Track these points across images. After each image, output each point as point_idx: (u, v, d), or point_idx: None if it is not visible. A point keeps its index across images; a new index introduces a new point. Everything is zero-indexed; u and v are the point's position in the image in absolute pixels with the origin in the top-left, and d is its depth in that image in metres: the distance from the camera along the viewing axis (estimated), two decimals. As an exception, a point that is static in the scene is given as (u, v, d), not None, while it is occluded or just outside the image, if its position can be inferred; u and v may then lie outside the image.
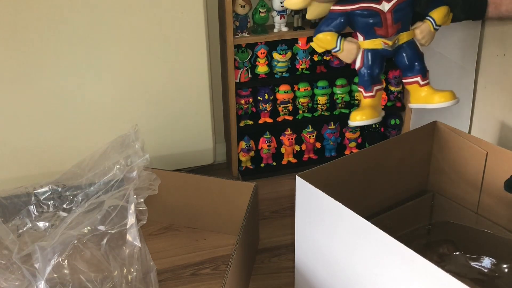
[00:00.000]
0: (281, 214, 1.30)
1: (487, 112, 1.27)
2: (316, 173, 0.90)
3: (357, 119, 0.98)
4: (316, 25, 1.33)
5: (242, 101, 1.38)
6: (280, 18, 1.31)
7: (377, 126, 1.47)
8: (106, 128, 1.25)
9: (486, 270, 0.97)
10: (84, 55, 1.19)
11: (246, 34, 1.31)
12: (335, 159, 0.95)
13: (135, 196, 0.98)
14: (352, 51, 0.97)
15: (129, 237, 0.96)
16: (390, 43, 0.95)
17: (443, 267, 0.70)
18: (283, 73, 1.37)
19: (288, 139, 1.43)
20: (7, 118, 1.20)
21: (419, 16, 0.99)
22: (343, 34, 0.98)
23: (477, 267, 0.98)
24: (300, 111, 1.42)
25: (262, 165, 1.45)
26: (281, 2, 1.28)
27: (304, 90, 1.39)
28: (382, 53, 0.97)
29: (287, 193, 1.37)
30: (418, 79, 0.99)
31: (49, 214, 1.09)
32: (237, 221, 1.11)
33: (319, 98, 1.41)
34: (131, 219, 0.96)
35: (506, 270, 0.97)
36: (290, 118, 1.41)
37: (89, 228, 0.96)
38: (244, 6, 1.28)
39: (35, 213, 1.09)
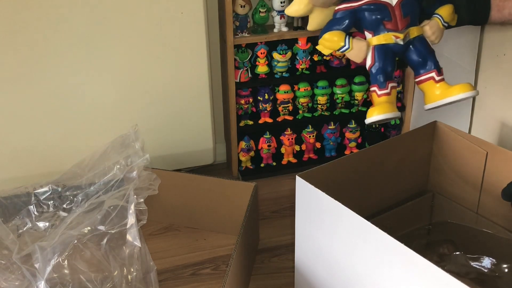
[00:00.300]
0: (281, 214, 1.30)
1: (487, 112, 1.28)
2: (316, 173, 0.90)
3: (374, 114, 0.94)
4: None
5: (242, 101, 1.38)
6: (280, 18, 1.31)
7: (377, 126, 1.47)
8: (106, 128, 1.25)
9: (486, 270, 0.97)
10: (84, 55, 1.19)
11: (246, 34, 1.31)
12: (335, 159, 0.95)
13: (135, 196, 0.98)
14: (362, 48, 0.94)
15: (129, 237, 0.96)
16: (401, 36, 0.93)
17: (443, 267, 0.70)
18: (283, 73, 1.37)
19: (288, 139, 1.43)
20: (7, 118, 1.20)
21: (425, 16, 0.98)
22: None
23: (477, 267, 0.98)
24: (300, 111, 1.42)
25: (262, 165, 1.45)
26: (281, 2, 1.28)
27: (304, 90, 1.39)
28: (393, 48, 0.94)
29: (287, 193, 1.37)
30: (433, 74, 0.95)
31: (49, 214, 1.09)
32: (237, 221, 1.11)
33: (319, 98, 1.41)
34: (131, 219, 0.96)
35: (506, 270, 0.97)
36: (290, 118, 1.41)
37: (89, 228, 0.96)
38: (244, 6, 1.28)
39: (35, 213, 1.09)
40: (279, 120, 1.41)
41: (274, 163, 1.45)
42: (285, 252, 1.17)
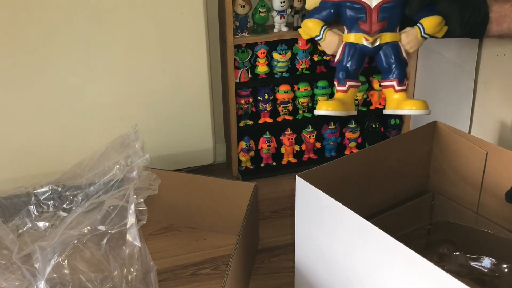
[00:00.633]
0: (281, 214, 1.30)
1: (487, 112, 1.27)
2: (316, 173, 0.90)
3: (323, 108, 0.95)
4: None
5: (242, 101, 1.38)
6: (280, 18, 1.31)
7: (377, 126, 1.47)
8: (106, 128, 1.25)
9: (486, 270, 0.97)
10: (84, 55, 1.19)
11: (246, 34, 1.31)
12: (335, 159, 0.95)
13: (135, 196, 0.98)
14: (334, 41, 0.95)
15: (129, 237, 0.96)
16: (370, 39, 0.94)
17: (443, 267, 0.70)
18: (283, 73, 1.37)
19: (288, 139, 1.43)
20: (7, 118, 1.20)
21: (410, 23, 0.98)
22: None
23: (477, 267, 0.98)
24: (300, 111, 1.42)
25: (262, 165, 1.45)
26: (281, 2, 1.28)
27: (304, 90, 1.39)
28: (362, 49, 0.95)
29: (287, 193, 1.37)
30: (394, 83, 0.96)
31: (49, 214, 1.09)
32: (237, 221, 1.11)
33: (319, 98, 1.41)
34: (131, 219, 0.96)
35: (506, 270, 0.96)
36: (290, 118, 1.41)
37: (89, 228, 0.96)
38: (244, 6, 1.28)
39: (35, 213, 1.09)
40: (279, 120, 1.41)
41: (274, 163, 1.45)
42: (285, 252, 1.17)
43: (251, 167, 1.44)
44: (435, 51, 1.34)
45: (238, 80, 1.34)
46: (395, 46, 0.96)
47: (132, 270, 0.99)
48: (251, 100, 1.39)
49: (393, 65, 0.96)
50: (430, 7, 0.96)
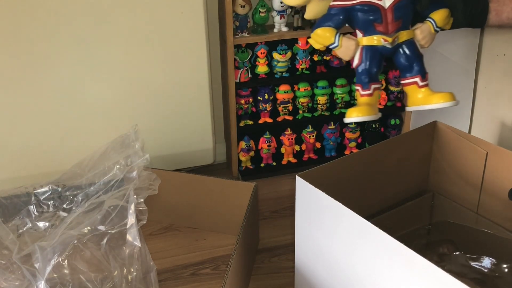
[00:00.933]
0: (281, 214, 1.30)
1: (487, 112, 1.28)
2: (316, 173, 0.90)
3: (353, 115, 0.95)
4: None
5: (242, 101, 1.38)
6: (280, 18, 1.31)
7: (377, 126, 1.47)
8: (106, 128, 1.25)
9: (486, 270, 0.97)
10: (84, 55, 1.19)
11: (246, 34, 1.31)
12: (335, 159, 0.95)
13: (135, 196, 0.98)
14: (351, 47, 0.95)
15: (129, 237, 0.96)
16: (390, 40, 0.94)
17: (443, 267, 0.70)
18: (283, 73, 1.37)
19: (288, 139, 1.43)
20: (7, 118, 1.20)
21: (419, 18, 0.98)
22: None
23: (477, 267, 0.98)
24: (300, 111, 1.42)
25: (262, 165, 1.45)
26: (281, 2, 1.28)
27: (304, 90, 1.39)
28: (381, 51, 0.95)
29: (287, 193, 1.37)
30: (417, 79, 0.97)
31: (49, 214, 1.09)
32: (237, 221, 1.11)
33: (319, 98, 1.41)
34: (131, 219, 0.96)
35: (506, 270, 0.97)
36: (290, 118, 1.41)
37: (89, 228, 0.96)
38: (244, 6, 1.28)
39: (35, 213, 1.09)
40: (279, 120, 1.41)
41: (274, 163, 1.45)
42: (285, 252, 1.17)
43: (251, 167, 1.44)
44: (435, 51, 1.34)
45: (238, 80, 1.34)
46: (412, 43, 0.96)
47: (132, 270, 0.99)
48: (251, 100, 1.39)
49: (414, 62, 0.96)
50: (437, 0, 0.97)
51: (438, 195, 1.11)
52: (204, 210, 1.21)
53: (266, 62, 1.35)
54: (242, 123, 1.40)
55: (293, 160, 1.46)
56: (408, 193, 1.10)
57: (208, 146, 1.37)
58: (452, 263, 0.99)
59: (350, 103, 1.44)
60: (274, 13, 1.31)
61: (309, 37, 0.99)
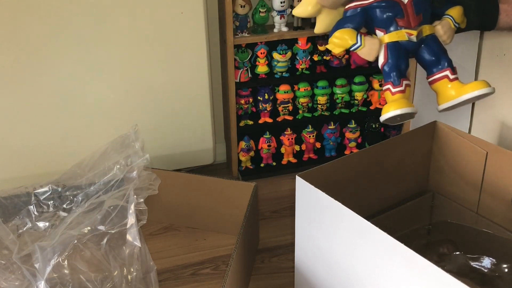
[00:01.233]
0: (281, 214, 1.30)
1: (487, 112, 1.28)
2: (316, 173, 0.90)
3: (391, 109, 0.90)
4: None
5: (242, 101, 1.38)
6: (280, 18, 1.31)
7: (377, 126, 1.47)
8: (106, 128, 1.25)
9: (486, 270, 0.97)
10: (84, 55, 1.19)
11: (246, 34, 1.31)
12: (335, 159, 0.95)
13: (135, 196, 0.98)
14: (375, 45, 0.92)
15: (129, 237, 0.96)
16: (415, 33, 0.91)
17: (443, 267, 0.70)
18: (283, 73, 1.37)
19: (288, 139, 1.43)
20: (7, 118, 1.20)
21: (436, 17, 0.97)
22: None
23: (477, 267, 0.98)
24: (300, 111, 1.42)
25: (262, 165, 1.45)
26: (281, 2, 1.28)
27: (304, 90, 1.39)
28: (406, 46, 0.92)
29: (287, 193, 1.37)
30: (447, 72, 0.93)
31: (49, 214, 1.09)
32: (237, 221, 1.11)
33: (319, 98, 1.41)
34: (131, 219, 0.96)
35: (506, 270, 0.97)
36: (290, 118, 1.41)
37: (89, 228, 0.96)
38: (244, 6, 1.28)
39: (35, 213, 1.09)
40: (279, 120, 1.41)
41: (274, 163, 1.45)
42: (285, 252, 1.17)
43: (251, 167, 1.44)
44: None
45: (238, 80, 1.34)
46: (435, 38, 0.94)
47: (132, 270, 0.99)
48: (251, 100, 1.39)
49: (441, 55, 0.94)
50: (449, 0, 0.97)
51: (438, 195, 1.11)
52: (204, 210, 1.21)
53: (266, 62, 1.35)
54: (242, 123, 1.40)
55: (293, 160, 1.46)
56: (408, 193, 1.10)
57: (208, 146, 1.37)
58: (452, 263, 0.99)
59: (350, 103, 1.44)
60: (274, 13, 1.31)
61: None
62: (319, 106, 1.42)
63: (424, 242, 1.06)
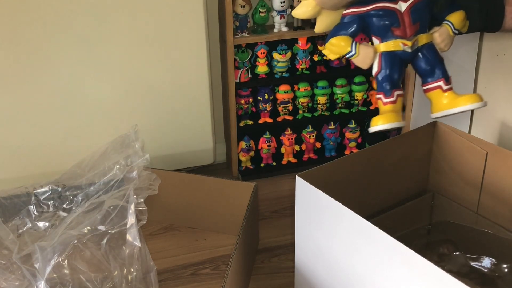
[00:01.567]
0: (281, 214, 1.30)
1: (487, 112, 1.27)
2: (316, 173, 0.90)
3: (379, 123, 0.93)
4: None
5: (242, 101, 1.38)
6: (280, 18, 1.31)
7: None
8: (106, 128, 1.25)
9: (486, 270, 0.97)
10: (84, 55, 1.19)
11: (246, 34, 1.31)
12: (335, 159, 0.95)
13: (135, 196, 0.98)
14: (369, 54, 0.93)
15: (129, 237, 0.96)
16: (409, 43, 0.91)
17: (443, 267, 0.70)
18: (283, 73, 1.37)
19: (288, 139, 1.43)
20: (7, 118, 1.20)
21: (435, 22, 0.96)
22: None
23: (477, 267, 0.98)
24: (300, 111, 1.42)
25: (262, 165, 1.45)
26: (281, 2, 1.28)
27: (304, 90, 1.39)
28: (400, 56, 0.92)
29: (287, 193, 1.37)
30: (440, 83, 0.94)
31: (49, 214, 1.09)
32: (237, 221, 1.11)
33: (319, 98, 1.41)
34: (131, 219, 0.96)
35: (506, 270, 0.97)
36: (290, 118, 1.41)
37: (89, 228, 0.96)
38: (244, 6, 1.28)
39: (35, 213, 1.09)
40: (279, 120, 1.41)
41: (274, 163, 1.45)
42: (285, 252, 1.17)
43: (251, 167, 1.44)
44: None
45: (238, 80, 1.34)
46: (432, 47, 0.94)
47: (132, 270, 0.99)
48: (251, 100, 1.39)
49: (435, 65, 0.94)
50: (453, 3, 0.95)
51: (438, 195, 1.11)
52: (204, 210, 1.21)
53: (266, 62, 1.35)
54: (242, 123, 1.40)
55: (293, 160, 1.46)
56: (408, 193, 1.10)
57: (208, 146, 1.37)
58: (452, 263, 0.99)
59: (350, 103, 1.44)
60: (274, 13, 1.31)
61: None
62: (319, 106, 1.42)
63: (424, 242, 1.06)
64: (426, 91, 0.96)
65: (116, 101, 1.26)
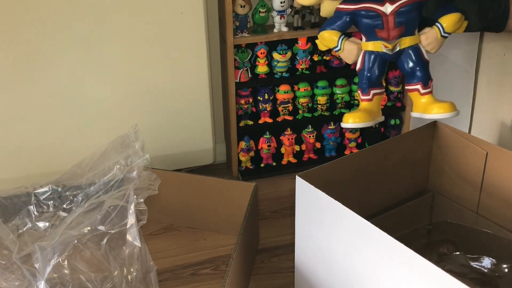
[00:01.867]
0: (281, 214, 1.30)
1: (487, 112, 1.28)
2: (316, 173, 0.90)
3: (349, 121, 0.97)
4: (317, 25, 1.34)
5: (242, 101, 1.38)
6: (280, 18, 1.31)
7: (377, 126, 1.47)
8: (106, 128, 1.25)
9: (486, 270, 0.97)
10: (84, 55, 1.19)
11: (246, 34, 1.31)
12: (335, 159, 0.95)
13: (135, 196, 0.98)
14: (353, 51, 0.96)
15: (129, 237, 0.96)
16: (390, 46, 0.93)
17: (443, 267, 0.70)
18: (283, 73, 1.37)
19: (288, 139, 1.43)
20: (7, 118, 1.20)
21: (428, 22, 0.97)
22: (349, 34, 0.97)
23: (477, 267, 0.98)
24: (300, 111, 1.42)
25: (262, 165, 1.45)
26: (281, 2, 1.28)
27: (304, 90, 1.39)
28: (382, 56, 0.95)
29: (287, 193, 1.37)
30: (418, 86, 0.96)
31: (49, 214, 1.09)
32: (237, 221, 1.11)
33: (319, 98, 1.41)
34: (131, 219, 0.96)
35: (506, 270, 0.97)
36: (290, 118, 1.41)
37: (89, 228, 0.96)
38: (244, 6, 1.28)
39: (35, 213, 1.09)
40: (279, 120, 1.41)
41: (274, 163, 1.45)
42: (285, 252, 1.17)
43: (251, 167, 1.44)
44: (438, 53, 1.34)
45: (238, 80, 1.34)
46: (416, 49, 0.95)
47: (132, 270, 0.99)
48: (251, 100, 1.39)
49: (416, 69, 0.95)
50: (447, 4, 0.95)
51: (438, 195, 1.11)
52: (204, 210, 1.21)
53: (266, 62, 1.35)
54: (242, 123, 1.40)
55: (293, 160, 1.46)
56: (408, 193, 1.10)
57: (208, 146, 1.37)
58: (452, 263, 0.99)
59: (350, 103, 1.44)
60: (274, 13, 1.31)
61: (316, 38, 1.00)
62: (319, 106, 1.42)
63: (424, 242, 1.06)
64: (407, 90, 1.00)
65: (116, 101, 1.26)
